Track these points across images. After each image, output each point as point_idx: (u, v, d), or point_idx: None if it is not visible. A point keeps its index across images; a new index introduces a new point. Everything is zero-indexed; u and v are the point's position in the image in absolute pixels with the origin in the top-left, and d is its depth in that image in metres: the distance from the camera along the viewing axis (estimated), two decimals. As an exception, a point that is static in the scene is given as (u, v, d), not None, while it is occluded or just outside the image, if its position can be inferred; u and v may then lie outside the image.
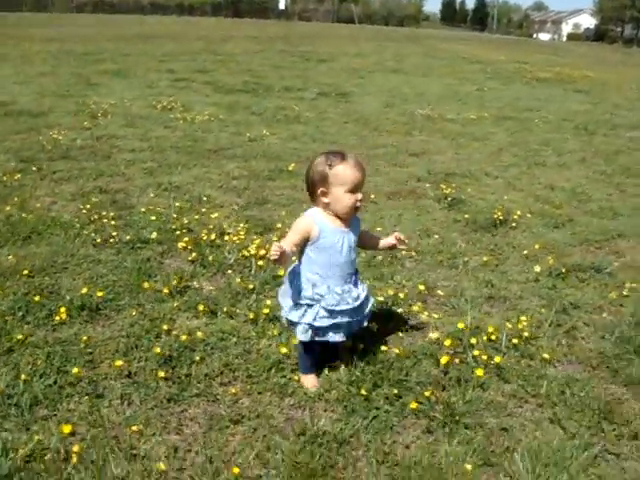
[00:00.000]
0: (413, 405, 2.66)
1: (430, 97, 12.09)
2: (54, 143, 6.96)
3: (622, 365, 3.05)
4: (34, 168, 5.97)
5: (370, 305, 2.93)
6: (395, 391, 2.78)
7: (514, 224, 4.95)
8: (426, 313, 3.50)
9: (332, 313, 2.72)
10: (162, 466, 2.31)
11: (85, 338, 3.12)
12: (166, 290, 3.64)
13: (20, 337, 3.09)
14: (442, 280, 3.99)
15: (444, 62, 20.62)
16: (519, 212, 5.12)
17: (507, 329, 3.30)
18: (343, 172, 2.60)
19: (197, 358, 3.01)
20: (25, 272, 3.78)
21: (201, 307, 3.45)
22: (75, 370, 2.84)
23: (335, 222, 2.70)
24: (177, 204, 5.07)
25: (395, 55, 22.33)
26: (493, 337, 3.21)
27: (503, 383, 2.92)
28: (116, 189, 5.54)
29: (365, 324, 2.95)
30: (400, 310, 3.52)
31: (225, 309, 3.47)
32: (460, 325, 3.27)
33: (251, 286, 3.70)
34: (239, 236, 4.42)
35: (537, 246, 4.49)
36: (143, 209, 4.96)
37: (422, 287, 3.77)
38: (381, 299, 3.58)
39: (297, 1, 78.53)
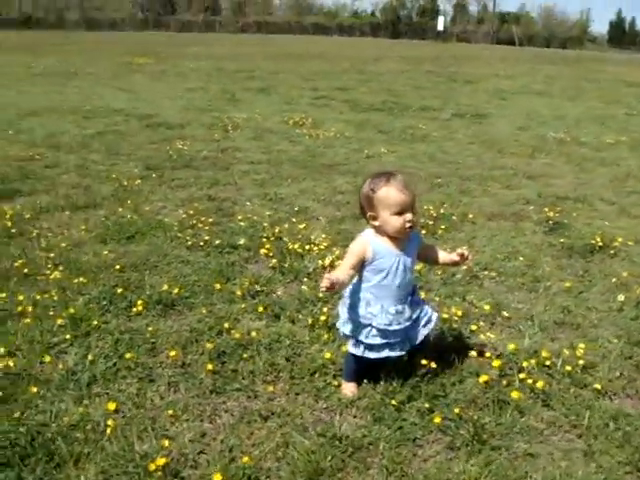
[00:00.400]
0: (437, 420, 2.64)
1: (569, 120, 11.64)
2: (179, 153, 7.48)
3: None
4: (154, 175, 6.45)
5: (431, 324, 2.94)
6: (427, 405, 2.77)
7: (612, 251, 4.70)
8: (488, 334, 3.43)
9: (384, 332, 2.75)
10: (185, 448, 2.47)
11: (152, 329, 3.37)
12: (239, 292, 3.83)
13: (96, 323, 3.38)
14: (516, 302, 3.89)
15: (597, 85, 19.69)
16: (621, 239, 4.85)
17: (564, 355, 3.17)
18: (386, 195, 2.60)
19: (246, 356, 3.15)
20: (118, 267, 4.13)
21: (265, 310, 3.60)
22: (131, 355, 3.08)
23: (389, 243, 2.71)
24: (273, 214, 5.27)
25: (546, 77, 21.62)
26: (548, 362, 3.10)
27: (545, 409, 2.82)
28: (224, 197, 5.87)
29: (419, 341, 2.92)
30: (458, 328, 3.48)
31: (288, 314, 3.60)
32: (511, 347, 3.19)
33: (320, 295, 3.79)
34: (320, 247, 4.54)
35: (625, 274, 4.24)
36: (241, 217, 5.22)
37: (488, 307, 3.70)
38: (445, 316, 3.55)
39: (456, 22, 78.03)
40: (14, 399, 2.73)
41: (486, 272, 4.29)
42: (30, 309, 3.48)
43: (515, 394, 2.80)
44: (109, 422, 2.58)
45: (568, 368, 3.07)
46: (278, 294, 3.91)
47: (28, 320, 3.37)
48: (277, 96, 13.76)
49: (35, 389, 2.79)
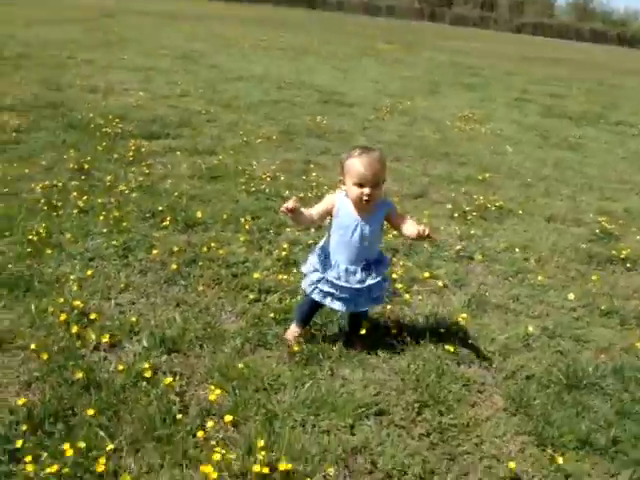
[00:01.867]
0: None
1: None
2: (317, 126, 8.47)
3: None
4: (273, 138, 7.52)
5: (379, 301, 3.25)
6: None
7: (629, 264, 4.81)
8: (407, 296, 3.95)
9: (333, 284, 3.02)
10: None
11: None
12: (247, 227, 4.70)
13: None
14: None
15: None
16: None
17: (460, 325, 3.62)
18: (353, 165, 2.83)
19: (202, 264, 4.05)
20: (185, 197, 5.21)
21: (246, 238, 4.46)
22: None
23: (352, 207, 2.96)
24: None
25: None
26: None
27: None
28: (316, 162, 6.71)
29: (363, 309, 3.19)
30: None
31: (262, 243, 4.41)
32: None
33: (280, 214, 4.49)
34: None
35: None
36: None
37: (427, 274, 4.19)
38: (395, 276, 4.12)
39: None
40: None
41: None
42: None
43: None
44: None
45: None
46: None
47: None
48: (480, 93, 14.03)
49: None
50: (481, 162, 7.54)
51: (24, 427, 2.48)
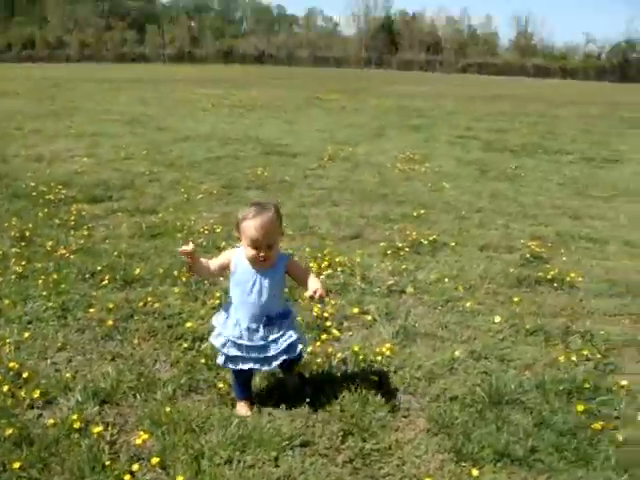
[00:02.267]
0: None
1: None
2: (257, 177, 8.68)
3: None
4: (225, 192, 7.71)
5: (294, 353, 3.09)
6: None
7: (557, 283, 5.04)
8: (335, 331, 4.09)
9: (238, 346, 3.01)
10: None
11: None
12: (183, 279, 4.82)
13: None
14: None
15: None
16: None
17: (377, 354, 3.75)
18: (247, 228, 2.83)
19: (138, 319, 4.14)
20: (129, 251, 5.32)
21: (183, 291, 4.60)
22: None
23: (249, 263, 2.96)
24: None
25: None
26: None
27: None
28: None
29: (276, 364, 3.08)
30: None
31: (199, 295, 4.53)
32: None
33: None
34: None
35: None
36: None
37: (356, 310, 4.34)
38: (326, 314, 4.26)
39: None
40: None
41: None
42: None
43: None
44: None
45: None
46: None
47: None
48: (422, 134, 14.43)
49: None
50: (418, 200, 7.78)
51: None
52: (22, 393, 3.24)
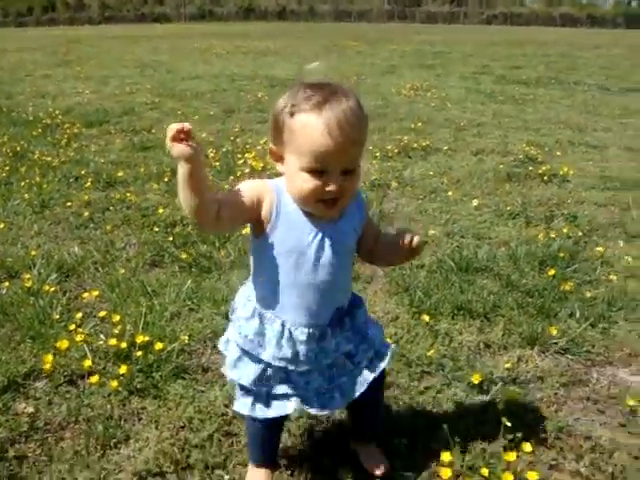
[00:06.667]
0: None
1: None
2: (259, 101, 8.60)
3: None
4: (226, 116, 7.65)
5: (381, 364, 1.73)
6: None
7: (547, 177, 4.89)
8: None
9: (287, 374, 1.63)
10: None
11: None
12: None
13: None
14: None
15: None
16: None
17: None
18: (303, 129, 1.40)
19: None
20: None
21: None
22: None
23: (300, 209, 1.53)
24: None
25: None
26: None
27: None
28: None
29: (359, 392, 1.69)
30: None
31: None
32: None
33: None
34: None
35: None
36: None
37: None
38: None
39: None
40: None
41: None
42: None
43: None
44: None
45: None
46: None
47: None
48: (435, 71, 14.12)
49: None
50: (419, 117, 7.63)
51: None
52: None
